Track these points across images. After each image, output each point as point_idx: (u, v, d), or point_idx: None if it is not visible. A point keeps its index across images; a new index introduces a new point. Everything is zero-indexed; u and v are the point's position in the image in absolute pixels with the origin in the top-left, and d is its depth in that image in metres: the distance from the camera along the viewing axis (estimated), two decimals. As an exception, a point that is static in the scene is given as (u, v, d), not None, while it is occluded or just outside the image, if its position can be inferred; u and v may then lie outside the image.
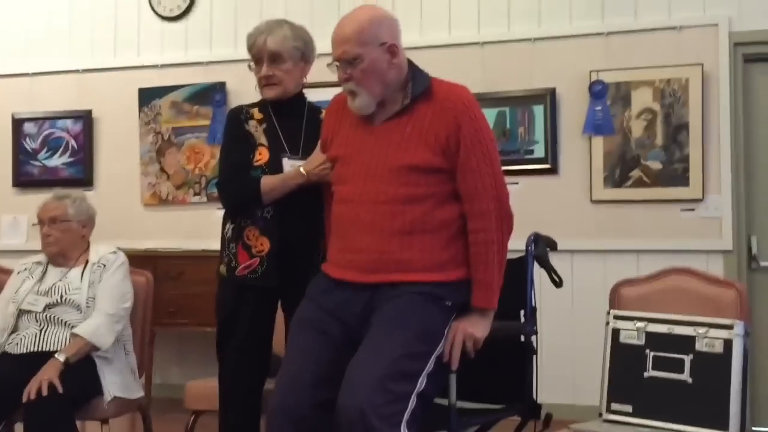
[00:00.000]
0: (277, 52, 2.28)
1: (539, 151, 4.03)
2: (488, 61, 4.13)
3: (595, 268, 3.89)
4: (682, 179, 3.83)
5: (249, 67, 2.35)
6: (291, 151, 2.31)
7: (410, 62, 2.03)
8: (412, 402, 1.79)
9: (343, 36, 1.94)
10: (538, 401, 2.21)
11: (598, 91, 3.93)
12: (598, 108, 3.93)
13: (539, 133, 4.03)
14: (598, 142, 3.96)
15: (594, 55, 3.97)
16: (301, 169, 2.23)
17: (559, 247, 3.63)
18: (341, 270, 1.96)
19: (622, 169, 3.93)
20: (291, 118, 2.36)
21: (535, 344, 2.22)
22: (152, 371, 4.16)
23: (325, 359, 1.87)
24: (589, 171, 3.97)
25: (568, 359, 3.85)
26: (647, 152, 3.89)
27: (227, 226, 2.35)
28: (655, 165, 3.88)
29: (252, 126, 2.35)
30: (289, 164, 2.28)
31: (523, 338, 2.22)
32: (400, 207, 1.90)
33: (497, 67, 4.11)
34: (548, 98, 4.01)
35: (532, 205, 4.01)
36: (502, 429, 2.21)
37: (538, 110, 4.03)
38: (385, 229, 1.89)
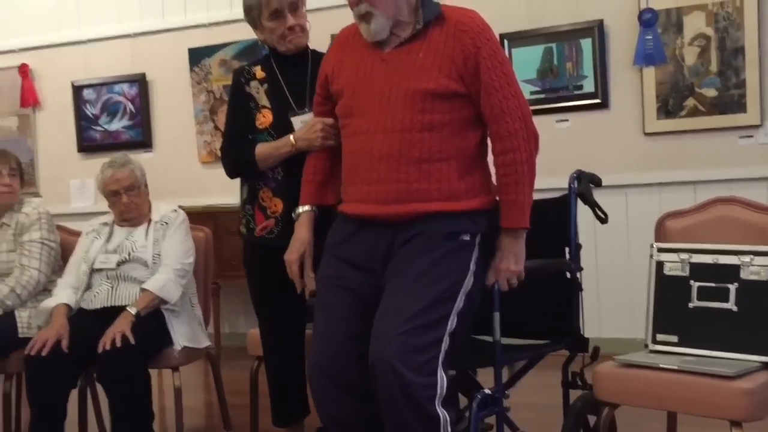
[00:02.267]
0: (295, 1, 2.26)
1: (588, 85, 3.96)
2: (532, -4, 4.05)
3: (651, 201, 3.84)
4: (739, 105, 3.71)
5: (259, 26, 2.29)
6: (298, 106, 2.29)
7: None
8: (445, 343, 1.81)
9: None
10: (586, 335, 2.25)
11: (647, 19, 3.81)
12: (649, 37, 3.82)
13: (588, 67, 3.95)
14: (650, 72, 3.86)
15: (643, -18, 3.84)
16: (291, 137, 2.21)
17: (613, 182, 3.65)
18: (358, 204, 1.93)
19: (675, 98, 3.83)
20: (296, 70, 2.32)
21: (580, 280, 2.24)
22: (220, 322, 4.36)
23: (353, 315, 1.88)
24: (641, 103, 3.88)
25: (625, 294, 3.85)
26: (701, 80, 3.78)
27: (243, 188, 2.38)
28: (710, 92, 3.77)
29: (253, 87, 2.32)
30: (298, 121, 2.26)
31: (568, 275, 2.25)
32: (417, 135, 1.87)
33: (541, 1, 4.03)
34: (596, 31, 3.91)
35: (583, 141, 3.97)
36: (550, 364, 2.26)
37: (586, 44, 3.94)
38: (402, 157, 1.87)
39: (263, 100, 2.30)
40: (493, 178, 2.04)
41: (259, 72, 2.33)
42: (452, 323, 1.83)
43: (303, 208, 2.16)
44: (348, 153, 1.99)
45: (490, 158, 2.01)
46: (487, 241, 1.96)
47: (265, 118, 2.29)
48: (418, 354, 1.76)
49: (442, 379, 1.79)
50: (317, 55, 2.35)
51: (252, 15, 2.29)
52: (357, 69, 1.96)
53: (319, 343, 1.90)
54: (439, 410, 1.78)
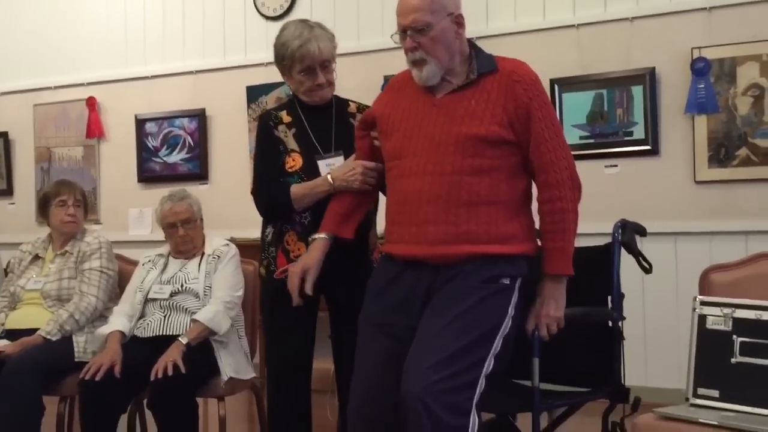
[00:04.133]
0: (328, 58, 2.31)
1: (639, 132, 3.96)
2: (584, 43, 4.09)
3: (701, 250, 3.79)
4: (794, 156, 3.67)
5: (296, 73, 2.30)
6: (323, 149, 2.32)
7: (471, 41, 2.05)
8: (480, 386, 1.82)
9: (412, 5, 1.95)
10: (630, 384, 2.25)
11: (700, 68, 3.81)
12: (701, 86, 3.82)
13: (638, 113, 3.96)
14: (702, 120, 3.84)
15: (695, 32, 3.85)
16: (329, 177, 2.23)
17: (662, 229, 3.63)
18: (407, 245, 1.96)
19: (727, 147, 3.80)
20: (321, 116, 2.36)
21: (622, 329, 2.25)
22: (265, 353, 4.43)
23: (392, 361, 1.89)
24: (692, 151, 3.86)
25: (671, 343, 3.79)
26: (755, 129, 3.75)
27: (268, 229, 2.38)
28: (764, 143, 3.73)
29: (281, 131, 2.35)
30: (324, 164, 2.29)
31: (610, 323, 2.25)
32: (467, 178, 1.91)
33: (593, 48, 4.07)
34: (647, 78, 3.92)
35: (632, 187, 3.96)
36: (590, 411, 2.25)
37: (637, 90, 3.96)
38: (452, 200, 1.90)
39: (292, 144, 2.33)
40: (536, 225, 2.08)
41: (285, 117, 2.37)
42: (489, 365, 1.85)
43: (320, 235, 2.19)
44: (395, 194, 2.02)
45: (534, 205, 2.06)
46: (526, 286, 1.99)
47: (294, 162, 2.32)
48: (453, 394, 1.77)
49: (474, 421, 1.80)
50: (340, 101, 2.42)
51: (284, 64, 2.34)
52: (408, 113, 2.02)
53: (358, 390, 1.94)
54: None
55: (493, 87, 1.95)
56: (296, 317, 2.26)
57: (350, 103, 2.47)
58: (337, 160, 2.29)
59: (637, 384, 2.31)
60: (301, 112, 2.36)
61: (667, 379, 3.68)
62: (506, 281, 1.94)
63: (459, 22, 1.99)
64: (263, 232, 2.40)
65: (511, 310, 1.94)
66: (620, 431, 2.22)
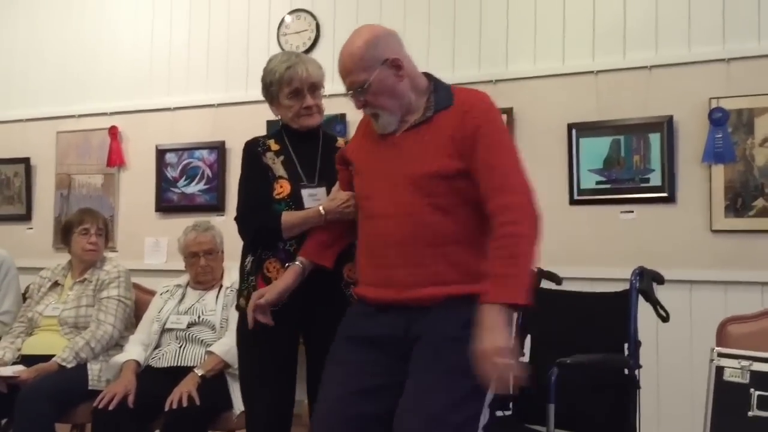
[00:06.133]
0: (316, 82, 2.29)
1: (655, 179, 3.98)
2: (603, 89, 4.14)
3: (716, 299, 3.77)
4: (811, 208, 3.67)
5: (273, 100, 2.31)
6: (307, 179, 2.29)
7: (429, 75, 2.01)
8: None
9: (345, 68, 1.93)
10: (643, 435, 2.24)
11: (718, 118, 3.84)
12: (719, 136, 3.84)
13: (655, 161, 3.98)
14: (719, 170, 3.86)
15: (714, 82, 3.89)
16: (321, 209, 2.19)
17: (677, 276, 3.63)
18: (377, 289, 1.91)
19: (744, 197, 3.81)
20: (308, 146, 2.34)
21: (638, 378, 2.24)
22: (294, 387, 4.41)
23: (359, 394, 1.83)
24: (709, 200, 3.87)
25: (686, 393, 3.76)
26: (772, 180, 3.77)
27: (247, 258, 2.32)
28: (781, 194, 3.74)
29: (269, 158, 2.32)
30: (306, 194, 2.27)
31: (627, 371, 2.25)
32: (428, 218, 1.84)
33: (612, 95, 4.10)
34: (665, 126, 3.95)
35: (648, 234, 3.97)
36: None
37: (654, 138, 3.98)
38: (418, 241, 1.84)
39: (280, 171, 2.30)
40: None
41: (273, 144, 2.35)
42: (485, 417, 1.79)
43: (295, 263, 2.15)
44: (364, 235, 1.99)
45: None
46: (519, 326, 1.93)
47: (282, 189, 2.28)
48: None
49: None
50: (327, 135, 2.40)
51: (271, 91, 2.33)
52: (372, 153, 1.99)
53: (320, 419, 1.88)
54: None
55: (446, 121, 1.90)
56: (276, 358, 2.20)
57: (338, 138, 2.46)
58: (320, 192, 2.27)
59: (651, 434, 2.30)
60: (288, 140, 2.35)
61: (681, 430, 3.65)
62: None
63: (397, 65, 1.92)
64: (242, 262, 2.34)
65: None
66: (634, 482, 2.20)
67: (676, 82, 3.98)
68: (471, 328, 1.75)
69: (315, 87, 2.30)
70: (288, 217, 2.22)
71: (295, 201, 2.26)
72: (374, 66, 1.90)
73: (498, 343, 1.68)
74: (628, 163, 4.04)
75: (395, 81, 1.92)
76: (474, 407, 1.78)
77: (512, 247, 1.76)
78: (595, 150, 4.10)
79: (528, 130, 4.27)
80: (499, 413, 2.55)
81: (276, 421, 2.27)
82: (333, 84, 2.02)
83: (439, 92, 1.95)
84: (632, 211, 4.02)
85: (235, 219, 2.33)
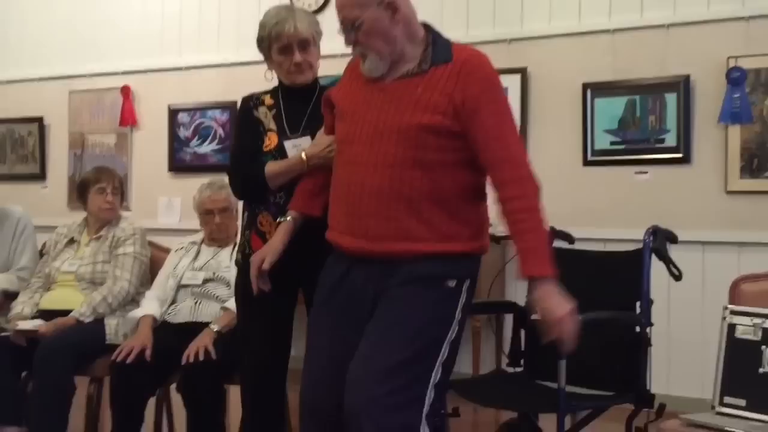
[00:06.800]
0: (306, 38, 2.25)
1: (671, 139, 3.95)
2: (619, 48, 4.08)
3: (729, 260, 3.77)
4: (828, 169, 3.64)
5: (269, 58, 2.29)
6: (292, 130, 2.27)
7: (429, 26, 1.94)
8: (429, 397, 1.75)
9: (340, 2, 1.88)
10: (653, 391, 2.25)
11: (736, 78, 3.78)
12: (736, 95, 3.79)
13: (671, 121, 3.95)
14: (735, 130, 3.82)
15: (732, 41, 3.83)
16: (303, 155, 2.17)
17: (690, 237, 3.62)
18: (349, 237, 1.88)
19: (760, 159, 3.78)
20: (299, 100, 2.31)
21: (650, 336, 2.26)
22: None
23: (342, 357, 1.82)
24: (725, 161, 3.84)
25: (696, 352, 3.78)
26: (789, 141, 3.73)
27: (244, 213, 2.34)
28: (798, 154, 3.71)
29: (261, 112, 2.32)
30: (290, 144, 2.25)
31: (638, 329, 2.26)
32: (408, 172, 1.80)
33: (628, 54, 4.05)
34: (682, 85, 3.90)
35: (662, 194, 3.95)
36: (613, 417, 2.26)
37: (671, 98, 3.94)
38: (393, 194, 1.81)
39: (270, 124, 2.31)
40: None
41: (267, 99, 2.36)
42: (437, 375, 1.78)
43: (285, 218, 2.15)
44: (339, 181, 1.94)
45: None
46: (474, 285, 1.90)
47: (270, 141, 2.28)
48: (400, 408, 1.72)
49: None
50: (325, 90, 2.29)
51: (263, 46, 2.32)
52: (357, 98, 1.93)
53: (307, 385, 1.90)
54: None
55: (443, 76, 1.84)
56: (272, 312, 2.21)
57: None
58: (304, 141, 2.25)
59: (660, 392, 2.31)
60: (282, 95, 2.33)
61: (690, 389, 3.68)
62: (452, 284, 1.85)
63: (393, 7, 1.85)
64: (242, 217, 2.36)
65: (458, 314, 1.85)
66: (644, 437, 2.23)
67: (694, 40, 3.92)
68: (436, 287, 1.79)
69: (305, 43, 2.26)
70: (271, 166, 2.22)
71: (281, 153, 2.25)
72: (369, 4, 1.84)
73: (559, 313, 1.76)
74: (644, 123, 4.01)
75: (389, 24, 1.85)
76: (426, 364, 1.77)
77: (531, 220, 1.80)
78: (610, 110, 4.06)
79: (542, 90, 4.24)
80: (510, 370, 2.59)
81: (270, 376, 2.28)
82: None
83: (438, 46, 1.89)
84: (647, 172, 4.00)
85: (227, 172, 2.37)
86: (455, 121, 1.81)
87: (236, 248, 2.39)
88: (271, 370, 2.28)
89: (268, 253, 2.10)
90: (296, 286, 2.27)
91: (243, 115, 2.37)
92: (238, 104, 4.89)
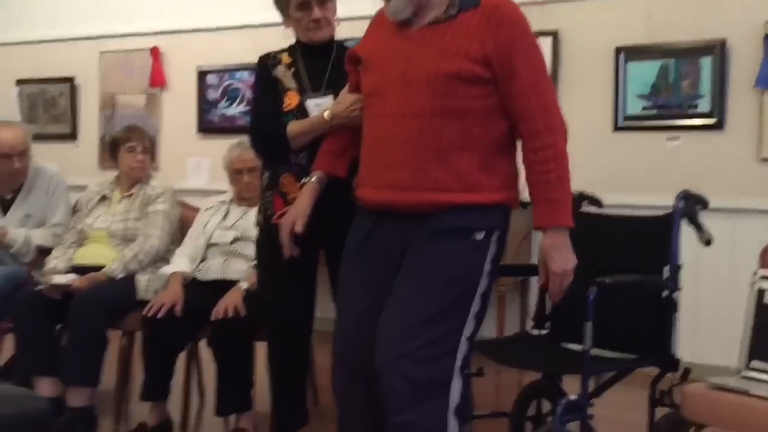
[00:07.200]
0: None
1: (704, 105, 3.88)
2: (654, 11, 3.99)
3: (760, 228, 3.71)
4: None
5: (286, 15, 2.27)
6: (314, 89, 2.25)
7: None
8: (461, 350, 1.75)
9: None
10: (678, 356, 2.25)
11: (774, 42, 3.70)
12: (774, 60, 3.71)
13: (705, 86, 3.87)
14: (771, 97, 3.74)
15: (771, 4, 3.73)
16: (326, 114, 2.14)
17: (721, 205, 3.57)
18: (376, 190, 1.85)
19: (796, 126, 3.70)
20: (319, 59, 2.29)
21: (677, 300, 2.25)
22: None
23: (372, 310, 1.81)
24: (759, 127, 3.77)
25: (723, 320, 3.76)
26: (827, 108, 3.64)
27: (265, 174, 2.32)
28: (836, 122, 3.62)
29: (280, 71, 2.30)
30: (312, 104, 2.22)
31: (665, 294, 2.25)
32: (438, 121, 1.77)
33: (663, 17, 3.96)
34: (718, 50, 3.82)
35: (694, 161, 3.90)
36: (636, 382, 2.26)
37: (706, 62, 3.86)
38: (422, 144, 1.77)
39: (290, 83, 2.28)
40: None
41: (285, 58, 2.34)
42: (469, 328, 1.78)
43: (310, 179, 2.13)
44: (367, 135, 1.91)
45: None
46: (504, 237, 1.87)
47: (290, 100, 2.26)
48: (431, 361, 1.71)
49: (456, 387, 1.74)
50: (342, 47, 2.30)
51: (281, 3, 2.30)
52: (384, 48, 1.88)
53: (337, 345, 1.90)
54: (451, 420, 1.73)
55: (472, 22, 1.79)
56: (294, 273, 2.20)
57: None
58: (326, 101, 2.22)
59: (685, 359, 2.31)
60: (301, 53, 2.32)
61: (716, 357, 3.67)
62: (480, 236, 1.81)
63: None
64: (261, 178, 2.34)
65: (487, 266, 1.82)
66: (668, 400, 2.23)
67: (731, 4, 3.82)
68: (464, 240, 1.78)
69: None
70: (293, 126, 2.20)
71: (302, 112, 2.23)
72: None
73: (561, 267, 1.80)
74: (677, 88, 3.93)
75: None
76: (457, 318, 1.76)
77: (558, 170, 1.79)
78: (642, 75, 3.99)
79: (574, 53, 4.17)
80: (535, 332, 2.60)
81: (293, 334, 2.30)
82: (375, 3, 1.96)
83: None
84: (678, 138, 3.94)
85: (248, 132, 2.36)
86: (486, 68, 1.77)
87: (258, 212, 2.38)
88: (295, 328, 2.30)
89: (298, 216, 2.09)
90: (318, 244, 2.26)
91: (261, 75, 2.35)
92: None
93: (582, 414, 2.08)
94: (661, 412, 2.24)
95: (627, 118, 4.04)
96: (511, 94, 1.79)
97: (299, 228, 2.08)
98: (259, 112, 2.33)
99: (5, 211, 3.26)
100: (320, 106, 2.21)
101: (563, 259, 1.81)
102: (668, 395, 2.22)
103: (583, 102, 4.13)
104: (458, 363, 1.75)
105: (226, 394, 2.66)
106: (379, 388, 1.73)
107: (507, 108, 1.81)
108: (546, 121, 1.79)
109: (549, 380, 2.48)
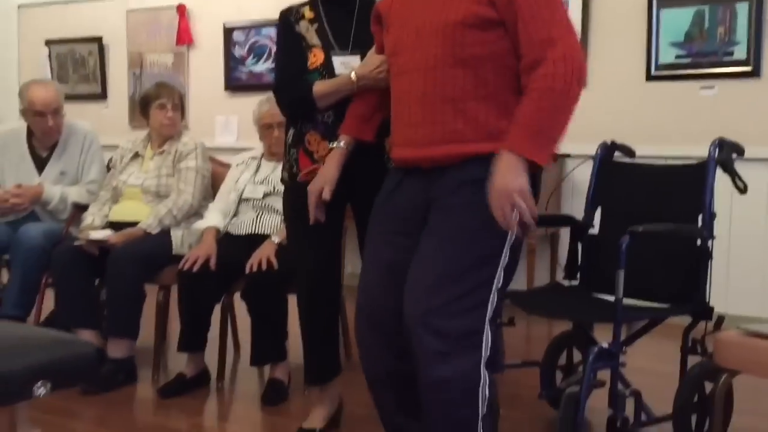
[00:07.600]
0: None
1: (740, 53, 3.78)
2: (688, -45, 3.88)
3: (796, 178, 3.67)
4: None
5: None
6: (340, 46, 2.22)
7: None
8: (492, 302, 1.73)
9: None
10: (711, 305, 2.25)
11: (814, -15, 3.58)
12: (814, 4, 3.60)
13: (741, 33, 3.77)
14: (810, 42, 3.64)
15: (813, -55, 3.60)
16: (352, 74, 2.10)
17: (757, 154, 3.52)
18: (400, 148, 1.85)
19: (836, 71, 3.60)
20: (342, 13, 2.25)
21: (711, 249, 2.23)
22: (343, 261, 4.56)
23: (398, 264, 1.80)
24: (797, 74, 3.69)
25: (757, 269, 3.73)
26: None
27: (290, 131, 2.30)
28: None
29: (303, 27, 2.25)
30: (339, 62, 2.19)
31: (699, 242, 2.24)
32: (450, 71, 1.73)
33: (698, -39, 3.86)
34: (755, -6, 3.72)
35: (729, 109, 3.82)
36: (668, 332, 2.26)
37: (742, 8, 3.75)
38: (437, 97, 1.74)
39: (314, 40, 2.23)
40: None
41: (308, 12, 2.27)
42: (499, 280, 1.74)
43: (338, 144, 2.11)
44: (393, 95, 1.89)
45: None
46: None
47: (315, 58, 2.21)
48: (461, 314, 1.69)
49: (487, 339, 1.72)
50: (364, 0, 2.26)
51: None
52: (402, 5, 1.86)
53: (361, 300, 1.89)
54: (482, 372, 1.71)
55: None
56: (320, 229, 2.17)
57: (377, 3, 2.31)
58: (353, 60, 2.17)
59: (718, 310, 2.30)
60: (323, 7, 2.25)
61: (749, 307, 3.65)
62: None
63: None
64: (285, 135, 2.33)
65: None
66: (701, 348, 2.23)
67: (771, -55, 3.70)
68: (486, 191, 1.67)
69: None
70: (320, 86, 2.16)
71: (328, 70, 2.20)
72: None
73: (519, 183, 1.61)
74: (712, 35, 3.84)
75: None
76: (486, 271, 1.72)
77: (541, 100, 1.65)
78: (676, 22, 3.90)
79: (606, 1, 4.08)
80: (566, 283, 2.60)
81: (322, 288, 2.31)
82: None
83: None
84: (713, 87, 3.86)
85: (273, 90, 2.31)
86: (490, 7, 1.72)
87: (282, 169, 2.35)
88: (322, 281, 2.30)
89: (326, 182, 2.08)
90: (344, 201, 2.26)
91: (284, 31, 2.28)
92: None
93: (614, 362, 2.09)
94: (693, 361, 2.24)
95: (660, 66, 3.96)
96: (516, 31, 1.72)
97: (327, 195, 2.09)
98: (283, 71, 2.29)
99: (41, 169, 3.33)
100: (346, 65, 2.18)
101: (516, 176, 1.62)
102: (701, 344, 2.22)
103: (615, 51, 4.05)
104: (489, 314, 1.73)
105: (260, 345, 2.72)
106: (410, 343, 1.72)
107: (517, 48, 1.74)
108: (541, 53, 1.67)
109: (580, 329, 2.49)
